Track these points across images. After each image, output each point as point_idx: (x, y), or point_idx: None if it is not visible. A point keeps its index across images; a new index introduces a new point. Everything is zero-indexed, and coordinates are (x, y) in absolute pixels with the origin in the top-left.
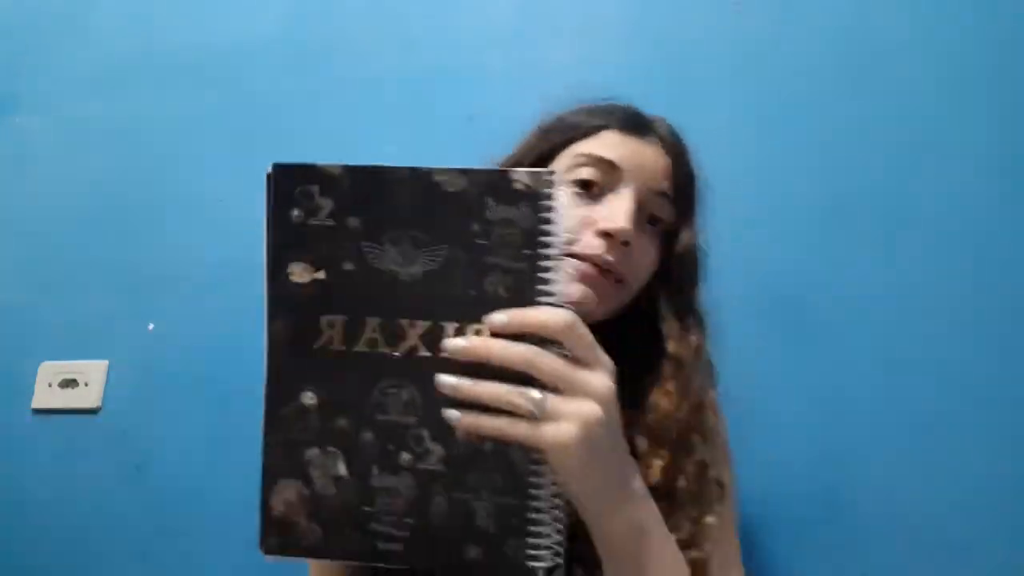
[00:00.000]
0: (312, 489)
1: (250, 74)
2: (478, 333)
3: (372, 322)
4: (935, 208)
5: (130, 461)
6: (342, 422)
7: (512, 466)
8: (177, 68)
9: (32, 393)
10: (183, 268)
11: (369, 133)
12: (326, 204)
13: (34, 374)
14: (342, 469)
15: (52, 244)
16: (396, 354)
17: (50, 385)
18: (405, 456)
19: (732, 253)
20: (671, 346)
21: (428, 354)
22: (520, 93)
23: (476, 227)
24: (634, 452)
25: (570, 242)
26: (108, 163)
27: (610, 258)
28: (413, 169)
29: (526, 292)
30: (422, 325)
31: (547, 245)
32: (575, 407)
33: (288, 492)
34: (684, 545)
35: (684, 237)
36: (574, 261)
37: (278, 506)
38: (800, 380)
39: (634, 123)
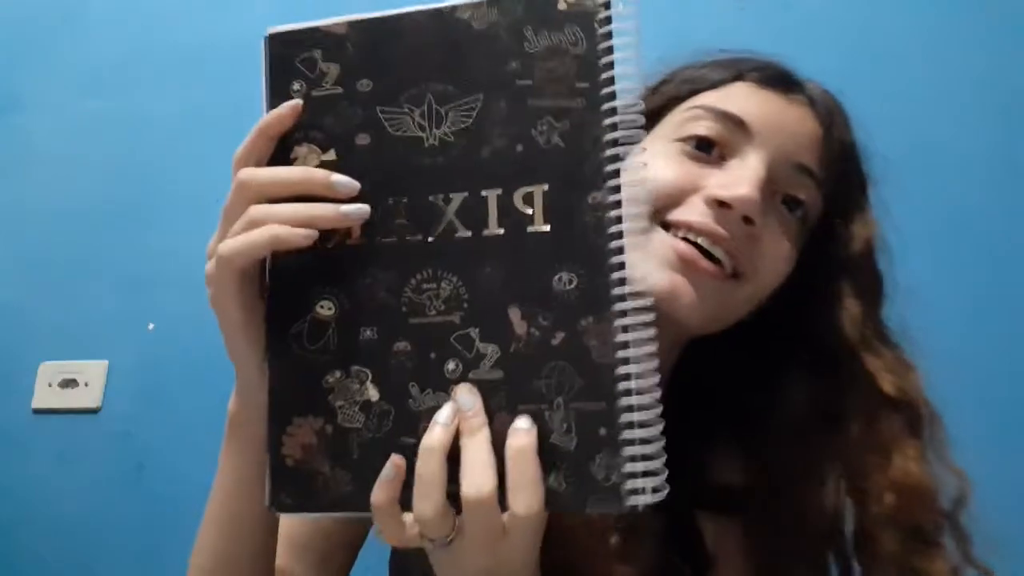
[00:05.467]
0: (335, 424)
1: (249, 72)
2: (529, 201)
3: (396, 204)
4: (935, 208)
5: (130, 461)
6: (368, 333)
7: (590, 361)
8: (177, 66)
9: (32, 393)
10: (183, 268)
11: None
12: (331, 70)
13: (34, 374)
14: (372, 392)
15: (52, 244)
16: (430, 239)
17: (50, 385)
18: (451, 365)
19: None
20: (889, 385)
21: (468, 234)
22: None
23: (514, 65)
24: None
25: (666, 206)
26: (108, 162)
27: (721, 231)
28: (432, 10)
29: (586, 136)
30: (458, 199)
31: (609, 69)
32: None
33: (305, 433)
34: None
35: (859, 231)
36: (664, 235)
37: (293, 452)
38: None
39: (776, 76)
